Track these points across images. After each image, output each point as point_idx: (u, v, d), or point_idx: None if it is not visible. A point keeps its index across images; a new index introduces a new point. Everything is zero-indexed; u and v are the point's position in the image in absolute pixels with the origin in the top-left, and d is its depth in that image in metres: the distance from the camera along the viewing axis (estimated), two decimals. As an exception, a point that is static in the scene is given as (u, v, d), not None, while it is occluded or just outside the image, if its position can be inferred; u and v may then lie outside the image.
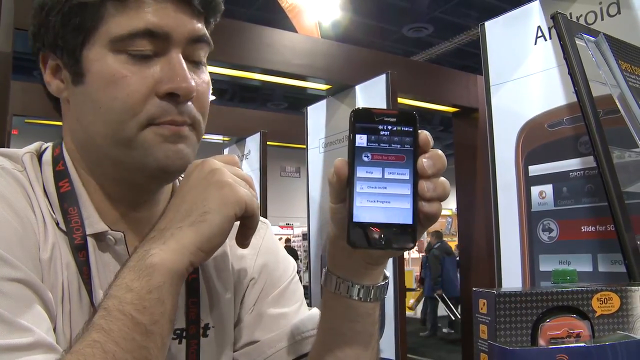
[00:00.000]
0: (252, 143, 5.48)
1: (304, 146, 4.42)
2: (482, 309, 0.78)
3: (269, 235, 0.91)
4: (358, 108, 0.62)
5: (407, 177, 0.59)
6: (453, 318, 8.68)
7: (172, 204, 0.67)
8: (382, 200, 0.59)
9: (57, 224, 0.71)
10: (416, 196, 0.59)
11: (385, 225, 0.58)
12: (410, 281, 10.38)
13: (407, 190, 0.59)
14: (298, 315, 0.85)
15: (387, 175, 0.59)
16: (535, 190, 2.07)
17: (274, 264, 0.87)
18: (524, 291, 0.77)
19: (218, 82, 10.00)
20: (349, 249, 0.68)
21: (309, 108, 4.43)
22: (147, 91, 0.70)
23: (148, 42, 0.69)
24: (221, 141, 6.47)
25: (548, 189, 2.03)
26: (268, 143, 5.43)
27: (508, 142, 2.20)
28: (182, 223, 0.63)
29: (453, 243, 11.25)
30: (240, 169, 0.70)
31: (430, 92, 4.59)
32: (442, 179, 0.63)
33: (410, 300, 10.45)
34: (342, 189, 0.62)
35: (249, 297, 0.84)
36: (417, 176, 0.59)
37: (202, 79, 0.76)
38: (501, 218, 2.20)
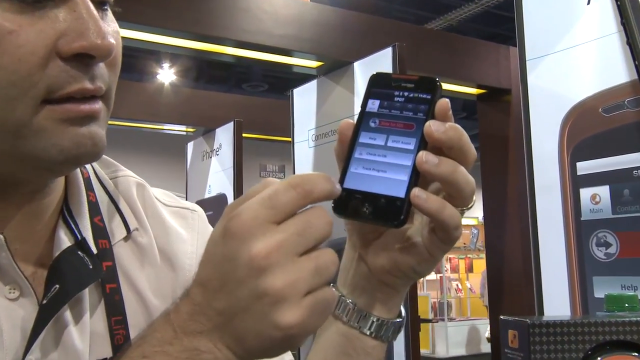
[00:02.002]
0: (224, 135, 5.46)
1: (289, 139, 4.41)
2: (512, 342, 0.78)
3: (203, 226, 0.90)
4: (377, 73, 0.69)
5: (411, 147, 0.64)
6: None
7: (200, 285, 0.59)
8: (378, 168, 0.65)
9: None
10: (417, 169, 0.64)
11: (373, 196, 0.64)
12: (426, 309, 10.39)
13: (407, 161, 0.64)
14: None
15: (390, 143, 0.66)
16: (585, 193, 2.07)
17: None
18: (566, 320, 0.76)
19: (180, 58, 10.00)
20: (367, 264, 0.73)
21: (295, 91, 4.42)
22: (46, 52, 0.63)
23: None
24: (184, 133, 6.45)
25: (603, 191, 2.02)
26: (244, 135, 5.42)
27: (550, 131, 2.19)
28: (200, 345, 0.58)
29: (480, 261, 11.29)
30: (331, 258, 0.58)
31: (449, 69, 4.59)
32: (454, 162, 0.63)
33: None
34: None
35: None
36: (423, 146, 0.64)
37: (112, 28, 0.69)
38: (541, 229, 2.19)
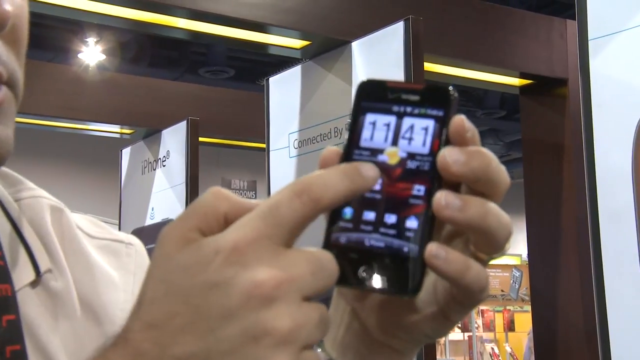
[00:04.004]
0: (173, 139, 5.45)
1: (263, 145, 4.41)
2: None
3: (141, 264, 0.91)
4: (367, 80, 0.69)
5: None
6: None
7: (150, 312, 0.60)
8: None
9: None
10: (431, 215, 0.63)
11: (373, 253, 0.63)
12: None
13: (418, 202, 0.64)
14: None
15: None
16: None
17: None
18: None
19: (111, 31, 9.98)
20: (362, 321, 0.74)
21: (271, 80, 4.43)
22: None
23: None
24: (117, 135, 6.41)
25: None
26: (201, 139, 5.42)
27: (620, 137, 2.20)
28: None
29: (525, 315, 11.24)
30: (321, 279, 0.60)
31: (482, 51, 4.60)
32: (484, 202, 0.64)
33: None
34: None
35: None
36: (437, 183, 0.64)
37: None
38: (608, 271, 2.19)
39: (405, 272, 0.62)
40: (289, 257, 0.57)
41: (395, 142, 0.66)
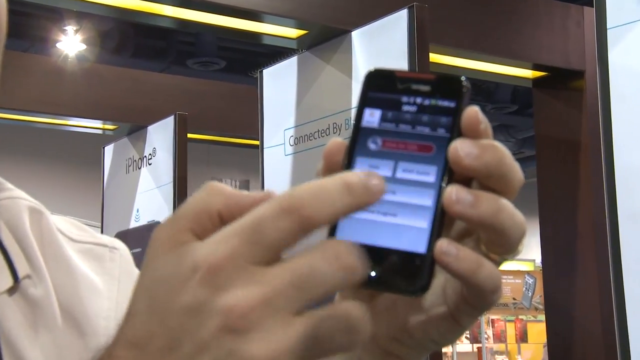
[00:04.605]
0: (160, 136, 5.45)
1: (256, 142, 4.43)
2: None
3: (126, 270, 0.92)
4: (374, 70, 0.69)
5: (431, 178, 0.65)
6: None
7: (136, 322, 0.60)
8: (385, 211, 0.64)
9: None
10: (441, 211, 0.64)
11: (380, 251, 0.63)
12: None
13: (427, 199, 0.64)
14: None
15: (400, 174, 0.65)
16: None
17: None
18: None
19: (92, 19, 9.97)
20: (375, 341, 0.73)
21: (265, 72, 4.44)
22: None
23: None
24: (100, 131, 6.41)
25: None
26: (190, 136, 5.42)
27: (641, 134, 2.20)
28: None
29: (538, 325, 11.25)
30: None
31: (492, 41, 4.60)
32: (497, 198, 0.64)
33: None
34: None
35: None
36: (448, 178, 0.65)
37: None
38: (628, 277, 2.20)
39: (413, 269, 0.63)
40: (268, 276, 0.55)
41: (403, 134, 0.67)
